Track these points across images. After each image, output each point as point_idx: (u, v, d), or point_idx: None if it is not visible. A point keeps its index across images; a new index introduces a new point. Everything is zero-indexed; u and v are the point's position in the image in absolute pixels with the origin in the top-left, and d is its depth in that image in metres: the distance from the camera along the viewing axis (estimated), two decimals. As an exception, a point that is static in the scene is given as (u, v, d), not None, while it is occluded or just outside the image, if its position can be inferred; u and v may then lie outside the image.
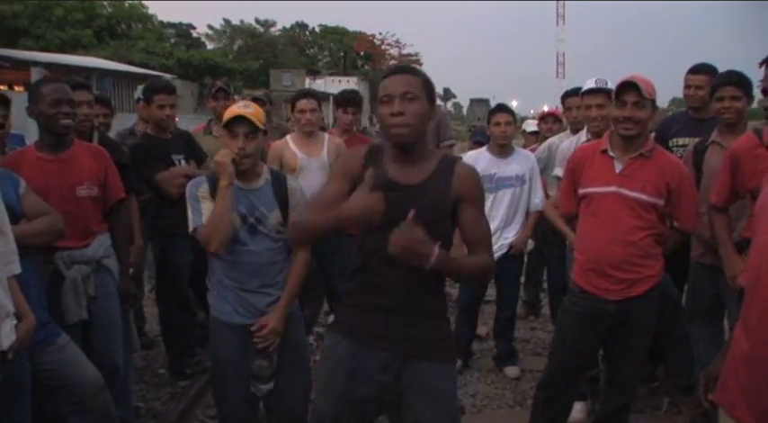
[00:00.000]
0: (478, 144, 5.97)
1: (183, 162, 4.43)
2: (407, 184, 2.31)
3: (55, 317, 3.02)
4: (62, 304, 3.20)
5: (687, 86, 4.34)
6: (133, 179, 3.95)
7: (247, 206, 2.97)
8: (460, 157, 2.50)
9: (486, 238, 2.41)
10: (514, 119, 4.78)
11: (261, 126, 2.93)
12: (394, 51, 62.70)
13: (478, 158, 4.67)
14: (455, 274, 2.34)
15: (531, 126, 6.99)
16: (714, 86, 3.77)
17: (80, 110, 3.64)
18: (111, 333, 3.41)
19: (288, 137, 4.94)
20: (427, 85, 2.31)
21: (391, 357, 2.34)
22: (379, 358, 2.34)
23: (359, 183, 2.27)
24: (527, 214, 4.76)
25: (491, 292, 5.23)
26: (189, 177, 3.70)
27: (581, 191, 3.24)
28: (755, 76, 3.54)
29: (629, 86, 3.01)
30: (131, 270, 3.76)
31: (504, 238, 4.67)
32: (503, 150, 4.70)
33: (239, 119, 2.89)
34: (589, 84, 4.16)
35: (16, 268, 2.51)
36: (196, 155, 4.50)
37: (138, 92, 5.73)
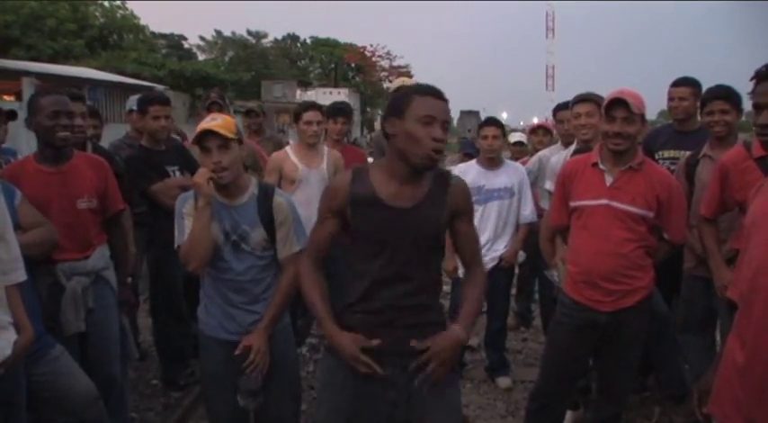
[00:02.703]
0: (468, 156, 6.00)
1: (177, 173, 4.43)
2: (402, 207, 2.33)
3: (52, 328, 3.02)
4: (61, 316, 3.20)
5: (671, 99, 4.40)
6: (127, 189, 3.95)
7: (230, 223, 2.93)
8: (449, 171, 2.52)
9: (478, 250, 2.54)
10: (503, 132, 4.81)
11: (232, 136, 2.86)
12: (385, 63, 62.67)
13: (467, 171, 4.72)
14: (476, 318, 2.47)
15: (515, 137, 7.01)
16: (703, 100, 3.83)
17: (74, 121, 3.64)
18: (108, 344, 3.40)
19: (288, 148, 4.96)
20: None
21: (398, 372, 2.33)
22: (385, 375, 2.33)
23: (345, 211, 2.36)
24: (517, 226, 4.79)
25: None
26: (184, 189, 3.70)
27: (572, 204, 3.27)
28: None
29: (618, 102, 3.04)
30: (129, 279, 3.76)
31: (494, 251, 4.70)
32: (491, 163, 4.74)
33: (208, 133, 2.83)
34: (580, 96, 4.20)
35: (19, 276, 2.47)
36: (190, 166, 4.50)
37: (131, 102, 5.70)
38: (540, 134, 6.33)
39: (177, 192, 3.82)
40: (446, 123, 2.25)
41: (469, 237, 2.48)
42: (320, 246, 2.49)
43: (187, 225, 2.89)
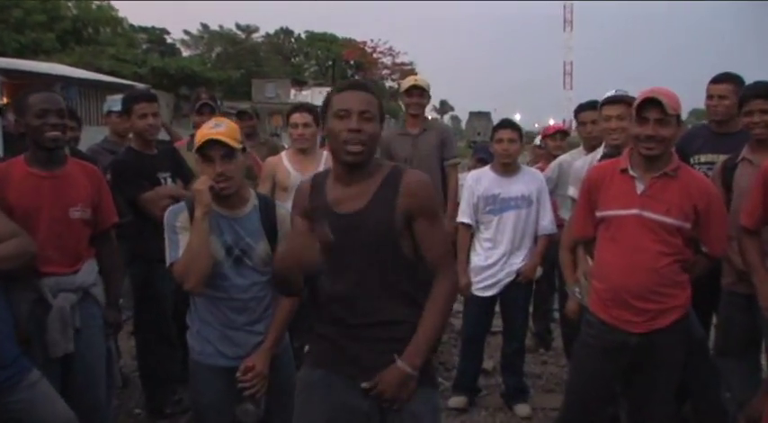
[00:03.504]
0: (482, 162, 5.98)
1: (168, 181, 4.42)
2: (347, 213, 2.42)
3: (36, 350, 3.01)
4: (47, 336, 3.17)
5: (710, 97, 4.34)
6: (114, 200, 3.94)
7: (232, 236, 2.94)
8: (403, 168, 2.54)
9: (446, 253, 2.53)
10: (520, 135, 4.80)
11: (237, 145, 2.88)
12: (387, 60, 62.88)
13: (481, 178, 4.74)
14: (437, 342, 2.49)
15: (536, 139, 7.00)
16: (741, 99, 3.81)
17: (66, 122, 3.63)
18: (95, 369, 3.39)
19: (282, 153, 4.98)
20: (380, 106, 2.45)
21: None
22: (356, 387, 2.43)
23: (310, 217, 2.47)
24: (536, 238, 4.78)
25: (497, 323, 5.23)
26: (175, 199, 3.70)
27: (599, 214, 3.26)
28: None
29: (650, 102, 3.03)
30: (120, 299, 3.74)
31: (510, 265, 4.69)
32: (507, 169, 4.74)
33: (212, 142, 2.85)
34: (608, 93, 4.20)
35: None
36: (182, 173, 4.49)
37: (109, 103, 5.71)
38: (558, 138, 6.30)
39: (168, 202, 3.82)
40: (366, 114, 2.36)
41: (433, 239, 2.46)
42: (288, 247, 2.47)
43: (182, 239, 2.88)
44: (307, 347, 4.83)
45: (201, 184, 2.87)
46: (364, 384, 2.41)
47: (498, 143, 4.70)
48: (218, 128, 2.88)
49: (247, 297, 2.95)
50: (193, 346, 3.06)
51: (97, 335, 3.42)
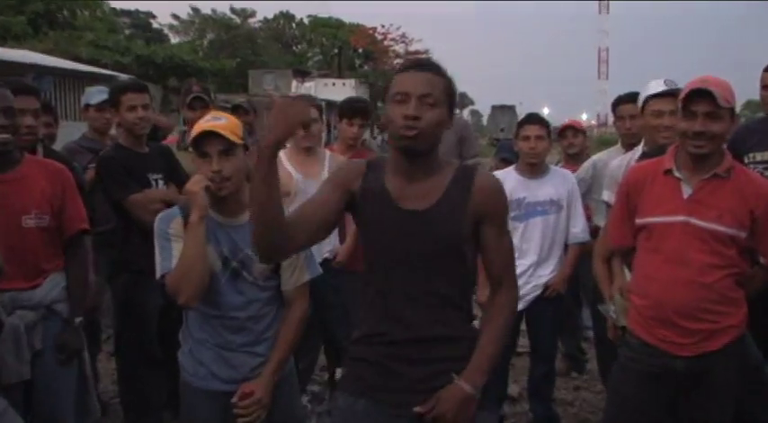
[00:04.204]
0: (506, 162, 5.95)
1: (161, 183, 4.40)
2: (414, 210, 2.38)
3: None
4: None
5: (764, 87, 4.31)
6: (88, 204, 3.90)
7: (230, 246, 2.92)
8: (476, 165, 2.55)
9: (510, 263, 2.57)
10: (549, 131, 4.77)
11: (238, 140, 2.86)
12: (399, 48, 62.98)
13: (504, 179, 4.58)
14: (498, 360, 2.48)
15: None
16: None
17: (24, 120, 3.58)
18: (60, 397, 3.36)
19: (281, 153, 4.92)
20: (450, 90, 2.39)
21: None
22: (407, 415, 2.39)
23: (354, 199, 2.42)
24: (565, 248, 4.75)
25: (524, 342, 5.20)
26: (168, 204, 3.67)
27: (639, 220, 3.22)
28: None
29: (700, 94, 2.98)
30: (79, 319, 3.61)
31: (537, 277, 4.65)
32: (534, 170, 4.70)
33: (209, 135, 2.82)
34: (656, 86, 4.14)
35: None
36: (176, 175, 4.46)
37: (88, 95, 5.68)
38: (570, 135, 6.22)
39: (159, 207, 3.79)
40: (428, 98, 2.31)
41: (500, 248, 2.48)
42: (304, 206, 2.46)
43: (175, 248, 2.87)
44: (340, 372, 4.86)
45: (195, 184, 2.85)
46: (418, 408, 2.36)
47: (524, 141, 4.66)
48: (219, 120, 2.87)
49: (245, 316, 2.93)
50: (185, 366, 3.04)
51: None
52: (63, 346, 3.45)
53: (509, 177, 4.70)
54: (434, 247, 2.36)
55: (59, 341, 3.43)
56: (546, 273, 4.67)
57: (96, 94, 5.42)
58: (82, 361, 3.54)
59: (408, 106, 2.28)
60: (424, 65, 2.40)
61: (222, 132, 2.80)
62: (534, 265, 4.64)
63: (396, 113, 2.31)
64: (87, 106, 5.56)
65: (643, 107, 4.21)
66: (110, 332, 4.99)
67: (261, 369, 2.94)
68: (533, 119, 4.79)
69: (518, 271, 4.54)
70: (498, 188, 2.47)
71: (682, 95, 3.08)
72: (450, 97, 2.38)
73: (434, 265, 2.38)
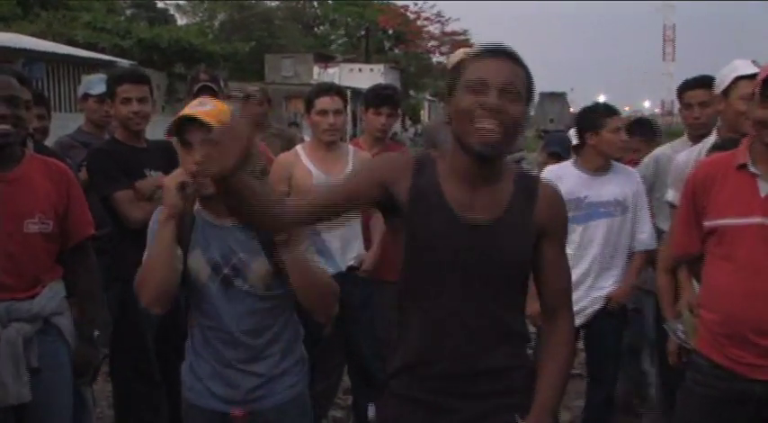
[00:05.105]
0: (556, 157, 5.94)
1: None
2: (479, 221, 2.33)
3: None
4: None
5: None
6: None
7: (221, 250, 2.93)
8: (535, 173, 2.51)
9: (569, 287, 2.54)
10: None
11: None
12: (434, 28, 62.96)
13: (562, 176, 4.66)
14: (561, 398, 2.47)
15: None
16: None
17: (19, 111, 3.62)
18: (61, 418, 3.39)
19: (298, 148, 4.98)
20: (530, 83, 2.34)
21: None
22: None
23: (394, 200, 2.35)
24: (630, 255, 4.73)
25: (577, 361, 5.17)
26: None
27: (708, 223, 3.21)
28: None
29: None
30: (97, 332, 3.69)
31: (598, 289, 4.66)
32: (601, 165, 4.69)
33: (191, 122, 2.83)
34: (745, 66, 4.07)
35: None
36: None
37: (86, 85, 5.73)
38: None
39: (150, 206, 3.82)
40: (510, 89, 2.24)
41: (560, 268, 2.48)
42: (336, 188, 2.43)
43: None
44: (372, 411, 4.87)
45: (171, 179, 2.87)
46: None
47: (615, 133, 4.64)
48: (203, 106, 2.89)
49: (239, 329, 2.93)
50: (185, 380, 3.08)
51: (62, 377, 3.41)
52: (85, 364, 3.54)
53: (567, 173, 4.73)
54: (500, 266, 2.33)
55: (81, 358, 3.50)
56: (608, 284, 4.68)
57: (97, 84, 5.44)
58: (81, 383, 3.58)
59: (489, 96, 2.22)
60: (504, 52, 2.33)
61: (206, 120, 2.78)
62: (594, 275, 4.65)
63: (469, 104, 2.24)
64: (86, 96, 5.60)
65: (727, 90, 4.15)
66: (106, 352, 5.02)
67: (261, 391, 2.96)
68: (613, 111, 4.78)
69: (573, 279, 4.57)
70: (562, 199, 2.47)
71: (758, 79, 3.06)
72: (529, 93, 2.34)
73: (496, 286, 2.35)
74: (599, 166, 4.71)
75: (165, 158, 4.51)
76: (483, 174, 2.32)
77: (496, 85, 2.22)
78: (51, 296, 3.39)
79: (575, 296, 4.49)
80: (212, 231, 2.94)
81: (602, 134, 4.66)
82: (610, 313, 4.67)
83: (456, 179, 2.35)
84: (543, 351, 2.51)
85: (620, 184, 4.70)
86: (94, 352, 3.64)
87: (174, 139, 3.02)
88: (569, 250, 4.53)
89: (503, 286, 2.36)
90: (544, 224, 2.37)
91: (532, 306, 4.28)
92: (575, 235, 4.58)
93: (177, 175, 2.87)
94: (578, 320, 4.56)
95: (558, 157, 5.85)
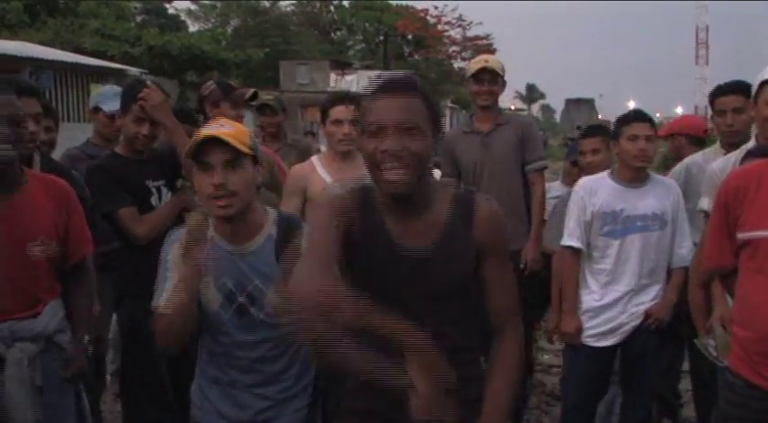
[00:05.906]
0: (578, 166, 5.88)
1: (163, 191, 4.46)
2: (415, 247, 2.41)
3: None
4: (5, 401, 3.18)
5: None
6: (91, 221, 3.96)
7: (235, 278, 2.92)
8: (472, 191, 2.56)
9: (514, 300, 2.58)
10: (655, 130, 4.73)
11: (246, 150, 2.85)
12: (455, 33, 62.93)
13: (597, 188, 4.64)
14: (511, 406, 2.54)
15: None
16: None
17: (22, 128, 3.60)
18: None
19: (314, 158, 4.98)
20: (429, 104, 2.39)
21: None
22: None
23: (349, 238, 2.40)
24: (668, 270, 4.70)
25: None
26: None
27: (741, 235, 3.19)
28: None
29: None
30: (87, 337, 3.72)
31: (636, 305, 4.62)
32: (636, 176, 4.66)
33: (211, 143, 2.81)
34: None
35: None
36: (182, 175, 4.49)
37: (97, 96, 5.73)
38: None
39: (155, 220, 3.83)
40: (408, 125, 2.30)
41: (504, 283, 2.54)
42: (326, 249, 2.40)
43: (170, 279, 2.90)
44: None
45: (194, 218, 2.86)
46: None
47: (632, 141, 4.57)
48: (223, 127, 2.88)
49: (253, 356, 2.95)
50: (194, 399, 3.10)
51: (64, 397, 3.44)
52: (75, 373, 3.52)
53: (602, 185, 4.67)
54: (439, 289, 2.42)
55: (73, 367, 3.50)
56: (646, 300, 4.64)
57: (111, 99, 5.32)
58: (80, 398, 3.60)
59: (385, 140, 2.30)
60: (396, 85, 2.39)
61: (228, 140, 2.79)
62: (632, 292, 4.61)
63: (370, 149, 2.33)
64: (97, 109, 5.60)
65: (756, 96, 4.07)
66: (113, 368, 5.04)
67: (269, 413, 2.98)
68: (642, 116, 4.73)
69: (611, 297, 4.61)
70: (500, 217, 2.52)
71: None
72: (432, 113, 2.39)
73: (436, 305, 2.41)
74: (632, 176, 4.65)
75: (164, 165, 4.55)
76: (410, 206, 2.41)
77: (393, 125, 2.29)
78: (53, 315, 3.42)
79: (612, 314, 4.56)
80: (226, 258, 2.92)
81: (621, 143, 4.64)
82: (648, 330, 4.63)
83: (393, 209, 2.44)
84: (490, 363, 2.56)
85: (659, 197, 4.64)
86: (82, 354, 3.63)
87: (188, 161, 3.02)
88: (605, 265, 4.58)
89: (444, 305, 2.42)
90: (484, 242, 2.44)
91: (568, 323, 4.36)
92: (612, 250, 4.57)
93: (195, 217, 2.85)
94: (616, 338, 4.59)
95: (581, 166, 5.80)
